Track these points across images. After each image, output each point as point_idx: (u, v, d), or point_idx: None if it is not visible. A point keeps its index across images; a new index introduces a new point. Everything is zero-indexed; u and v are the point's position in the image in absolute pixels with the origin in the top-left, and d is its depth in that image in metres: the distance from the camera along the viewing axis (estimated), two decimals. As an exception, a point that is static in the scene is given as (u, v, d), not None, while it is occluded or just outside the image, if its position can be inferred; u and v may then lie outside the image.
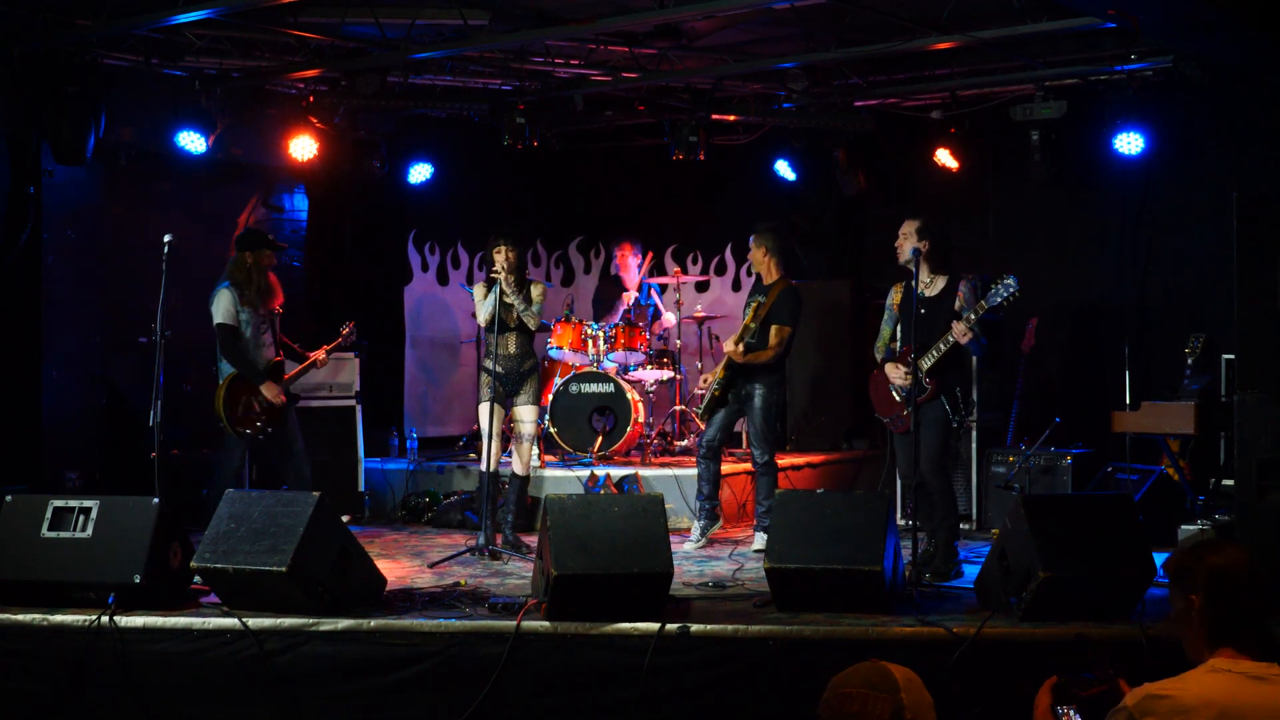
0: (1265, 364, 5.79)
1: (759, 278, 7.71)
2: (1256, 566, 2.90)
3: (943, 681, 2.66)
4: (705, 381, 7.75)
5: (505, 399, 7.40)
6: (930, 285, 6.61)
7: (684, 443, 9.56)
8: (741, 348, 7.38)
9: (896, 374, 6.61)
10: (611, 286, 10.24)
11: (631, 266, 10.01)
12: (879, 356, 6.85)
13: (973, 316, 6.34)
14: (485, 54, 8.75)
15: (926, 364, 6.46)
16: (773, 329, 7.41)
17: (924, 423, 6.53)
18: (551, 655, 5.29)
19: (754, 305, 7.50)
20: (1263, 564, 5.42)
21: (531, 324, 7.35)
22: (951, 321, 6.44)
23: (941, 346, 6.42)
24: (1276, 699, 2.77)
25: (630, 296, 9.92)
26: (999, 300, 6.26)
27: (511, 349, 7.38)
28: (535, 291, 7.39)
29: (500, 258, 7.23)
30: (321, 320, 10.10)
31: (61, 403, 8.38)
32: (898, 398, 6.65)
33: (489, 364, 7.31)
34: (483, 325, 7.44)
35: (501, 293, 7.22)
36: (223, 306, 7.32)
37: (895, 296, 6.76)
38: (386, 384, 10.11)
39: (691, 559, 7.17)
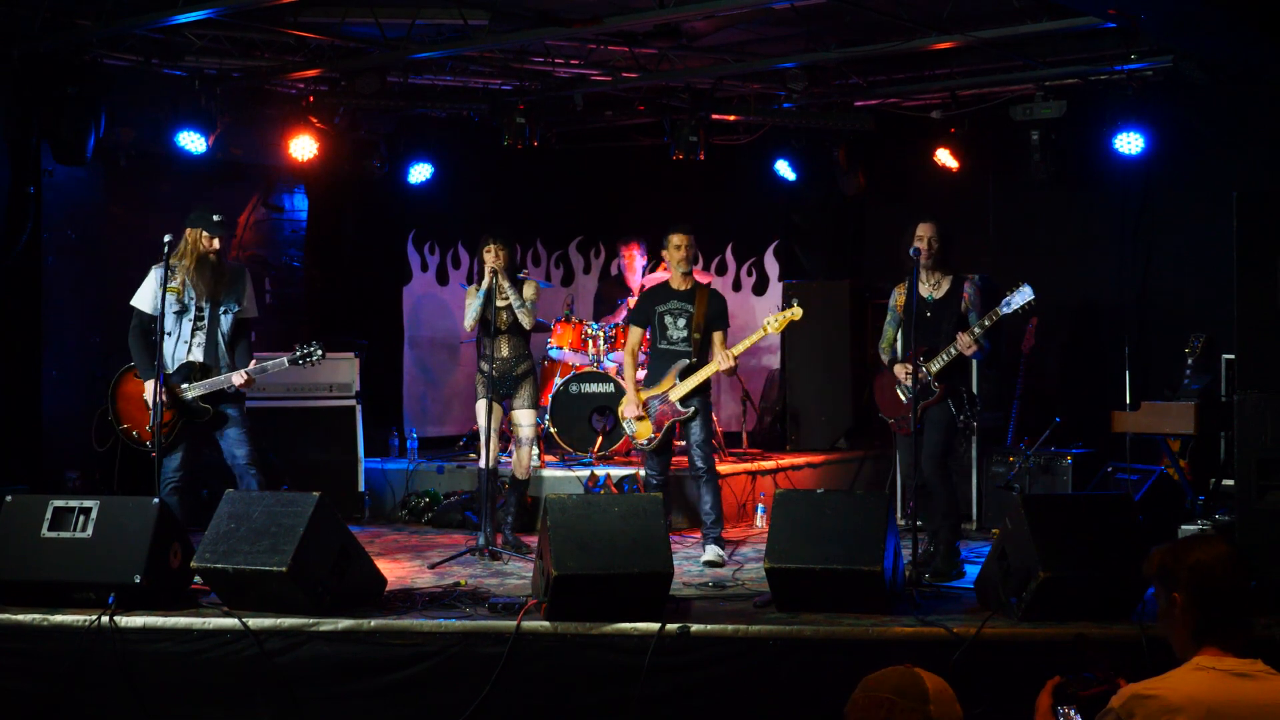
0: (1265, 364, 5.78)
1: (660, 286, 7.34)
2: (1239, 561, 2.88)
3: (943, 682, 2.64)
4: (639, 421, 7.43)
5: (501, 400, 7.40)
6: (936, 287, 6.60)
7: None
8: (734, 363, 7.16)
9: (906, 374, 6.57)
10: (613, 286, 10.23)
11: (638, 267, 10.00)
12: (884, 358, 6.84)
13: (986, 324, 6.33)
14: (485, 54, 8.74)
15: (936, 368, 6.45)
16: (718, 336, 7.16)
17: (928, 424, 6.54)
18: (551, 655, 5.29)
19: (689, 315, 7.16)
20: (1263, 564, 5.47)
21: (526, 321, 7.33)
22: (957, 324, 6.44)
23: (951, 352, 6.42)
24: (1263, 696, 2.77)
25: (633, 298, 9.90)
26: (1012, 310, 6.25)
27: (504, 351, 7.37)
28: (529, 289, 7.38)
29: (490, 257, 7.23)
30: (321, 320, 10.11)
31: (61, 403, 8.36)
32: (905, 399, 6.63)
33: (484, 366, 7.30)
34: (467, 329, 7.42)
35: (496, 293, 7.22)
36: (144, 285, 6.62)
37: (899, 298, 6.74)
38: (386, 384, 10.10)
39: (692, 559, 7.16)
